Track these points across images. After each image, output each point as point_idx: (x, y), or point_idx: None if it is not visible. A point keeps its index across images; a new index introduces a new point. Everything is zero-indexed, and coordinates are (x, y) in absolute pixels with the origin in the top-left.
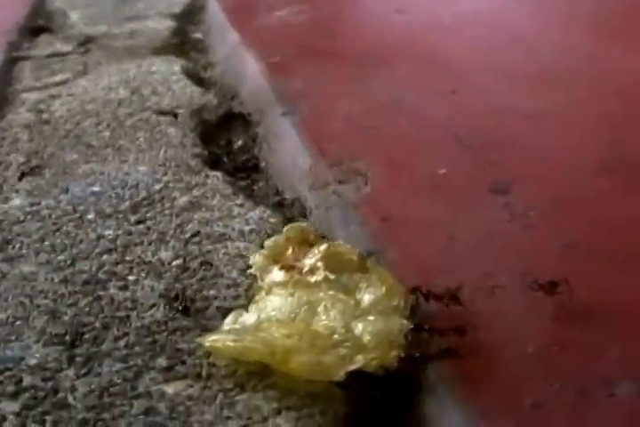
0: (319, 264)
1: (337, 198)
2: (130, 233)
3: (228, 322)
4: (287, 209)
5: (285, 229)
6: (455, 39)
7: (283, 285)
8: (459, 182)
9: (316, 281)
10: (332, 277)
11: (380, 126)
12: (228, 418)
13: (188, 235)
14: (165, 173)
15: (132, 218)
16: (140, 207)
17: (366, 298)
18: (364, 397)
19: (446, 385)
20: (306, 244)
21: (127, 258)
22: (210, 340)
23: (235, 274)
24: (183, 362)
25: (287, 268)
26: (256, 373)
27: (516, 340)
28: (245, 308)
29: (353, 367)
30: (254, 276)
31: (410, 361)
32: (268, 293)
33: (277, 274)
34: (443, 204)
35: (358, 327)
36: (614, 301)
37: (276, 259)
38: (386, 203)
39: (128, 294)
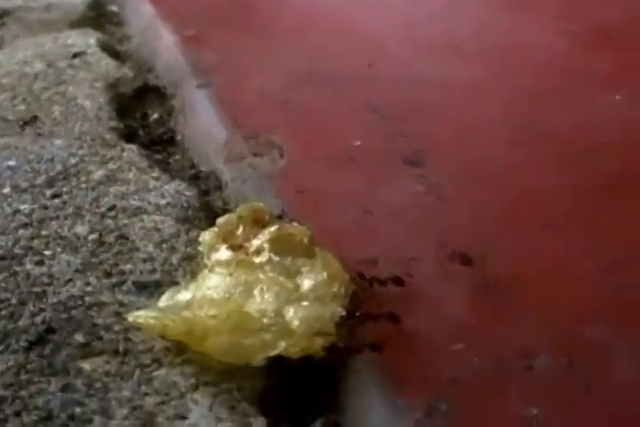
0: (265, 245)
1: (252, 171)
2: (46, 207)
3: (164, 299)
4: (203, 182)
5: (239, 207)
6: (373, 12)
7: (226, 264)
8: (373, 154)
9: (259, 262)
10: (275, 259)
11: (295, 99)
12: (146, 394)
13: (103, 209)
14: (81, 147)
15: (48, 192)
16: (55, 181)
17: (306, 283)
18: (284, 373)
19: (366, 361)
20: (259, 224)
21: (43, 233)
22: (134, 315)
23: (150, 248)
24: (100, 338)
25: (234, 247)
26: (173, 349)
27: (432, 312)
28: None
29: (272, 353)
30: (201, 253)
31: (335, 350)
32: (210, 271)
33: (224, 253)
34: (358, 176)
35: (289, 312)
36: (530, 271)
37: (225, 237)
38: (301, 175)
39: (44, 269)
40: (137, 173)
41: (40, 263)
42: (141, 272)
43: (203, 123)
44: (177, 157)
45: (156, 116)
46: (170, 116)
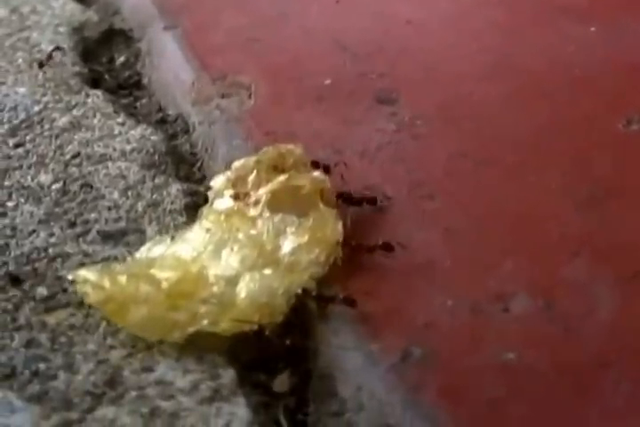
0: (264, 198)
1: (220, 113)
2: (9, 157)
3: (142, 250)
4: (170, 126)
5: (262, 150)
6: None
7: (217, 214)
8: (344, 93)
9: (251, 216)
10: (266, 214)
11: (264, 39)
12: (112, 347)
13: (67, 157)
14: (45, 94)
15: (11, 141)
16: (18, 130)
17: (286, 245)
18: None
19: (338, 308)
20: (278, 170)
21: (6, 183)
22: (75, 274)
23: (116, 195)
24: (65, 290)
25: (239, 195)
26: None
27: (405, 252)
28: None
29: (192, 330)
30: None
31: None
32: (200, 222)
33: (225, 201)
34: (328, 116)
35: (244, 281)
36: (504, 211)
37: (235, 183)
38: (270, 116)
39: (7, 221)
40: (102, 119)
41: (2, 215)
42: (106, 221)
43: (170, 65)
44: (144, 100)
45: (122, 59)
46: (137, 59)
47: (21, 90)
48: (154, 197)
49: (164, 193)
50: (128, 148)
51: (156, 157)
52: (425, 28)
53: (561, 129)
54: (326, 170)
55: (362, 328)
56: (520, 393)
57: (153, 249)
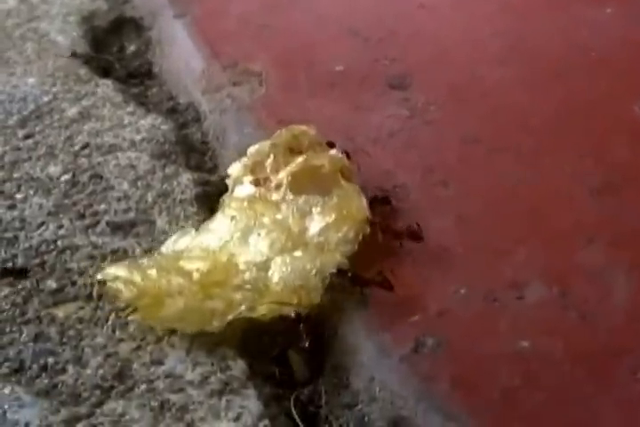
0: (285, 180)
1: (231, 101)
2: (18, 149)
3: (168, 243)
4: (181, 115)
5: (277, 133)
6: None
7: (240, 201)
8: (356, 79)
9: (275, 200)
10: (290, 197)
11: (274, 25)
12: (121, 340)
13: (77, 147)
14: (54, 84)
15: (21, 133)
16: (28, 121)
17: (313, 226)
18: None
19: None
20: (294, 152)
21: (15, 175)
22: (104, 273)
23: (125, 186)
24: (74, 283)
25: (259, 181)
26: None
27: (418, 244)
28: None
29: (231, 317)
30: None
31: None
32: (222, 211)
33: (246, 187)
34: (340, 102)
35: (275, 265)
36: (518, 198)
37: (253, 169)
38: (282, 104)
39: (16, 213)
40: (112, 109)
41: (12, 207)
42: (116, 212)
43: (180, 53)
44: (154, 89)
45: (132, 48)
46: (147, 48)
47: (31, 80)
48: (164, 187)
49: (175, 183)
50: (138, 137)
51: (167, 147)
52: (437, 12)
53: (576, 113)
54: (347, 156)
55: (374, 318)
56: (535, 382)
57: (179, 241)
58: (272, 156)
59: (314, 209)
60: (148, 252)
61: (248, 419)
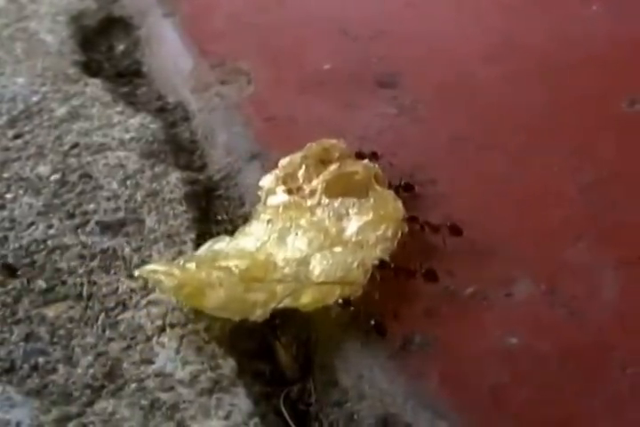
0: (319, 187)
1: (220, 100)
2: (7, 149)
3: (203, 248)
4: (170, 114)
5: (307, 146)
6: None
7: (275, 208)
8: (345, 77)
9: (310, 205)
10: (325, 201)
11: (263, 23)
12: (111, 340)
13: (66, 147)
14: (43, 84)
15: (10, 133)
16: (17, 121)
17: (351, 226)
18: None
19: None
20: (325, 163)
21: (4, 175)
22: (142, 269)
23: (114, 185)
24: (64, 282)
25: (293, 190)
26: (139, 289)
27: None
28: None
29: (274, 306)
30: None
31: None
32: (257, 218)
33: (280, 196)
34: (329, 100)
35: (315, 260)
36: (506, 195)
37: (285, 180)
38: (270, 102)
39: (6, 213)
40: (101, 108)
41: (1, 207)
42: (105, 211)
43: (169, 52)
44: (143, 89)
45: (121, 47)
46: (136, 47)
47: (20, 80)
48: (153, 186)
49: (164, 182)
50: (127, 137)
51: (156, 146)
52: (426, 9)
53: (564, 110)
54: (374, 157)
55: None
56: (523, 379)
57: (214, 246)
58: (304, 166)
59: (350, 210)
60: (137, 251)
61: (238, 417)
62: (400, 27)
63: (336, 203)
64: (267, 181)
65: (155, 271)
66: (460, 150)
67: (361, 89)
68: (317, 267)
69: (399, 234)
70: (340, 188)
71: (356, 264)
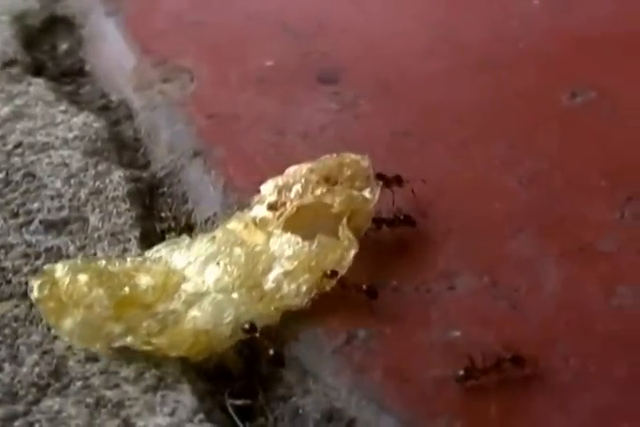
0: (286, 213)
1: (162, 98)
2: None
3: (152, 250)
4: (113, 112)
5: (323, 157)
6: None
7: (239, 222)
8: (286, 74)
9: (269, 231)
10: (278, 232)
11: (207, 21)
12: (56, 338)
13: (10, 146)
14: None
15: None
16: None
17: (275, 270)
18: None
19: None
20: (329, 182)
21: None
22: (51, 266)
23: (58, 184)
24: (8, 282)
25: (275, 206)
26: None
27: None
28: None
29: (116, 346)
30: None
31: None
32: (220, 228)
33: (261, 209)
34: (270, 97)
35: (205, 301)
36: (448, 189)
37: (281, 190)
38: (212, 100)
39: None
40: (44, 108)
41: None
42: (49, 210)
43: (112, 51)
44: (87, 87)
45: (65, 47)
46: (79, 46)
47: None
48: (96, 184)
49: (107, 180)
50: (70, 135)
51: (99, 144)
52: (367, 6)
53: (505, 103)
54: (397, 182)
55: (305, 311)
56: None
57: (161, 250)
58: (304, 180)
59: (286, 252)
60: (81, 249)
61: (183, 414)
62: (341, 23)
63: (283, 238)
64: (266, 188)
65: (47, 274)
66: (402, 145)
67: (302, 85)
68: (196, 311)
69: (313, 292)
70: (308, 218)
71: (229, 320)
